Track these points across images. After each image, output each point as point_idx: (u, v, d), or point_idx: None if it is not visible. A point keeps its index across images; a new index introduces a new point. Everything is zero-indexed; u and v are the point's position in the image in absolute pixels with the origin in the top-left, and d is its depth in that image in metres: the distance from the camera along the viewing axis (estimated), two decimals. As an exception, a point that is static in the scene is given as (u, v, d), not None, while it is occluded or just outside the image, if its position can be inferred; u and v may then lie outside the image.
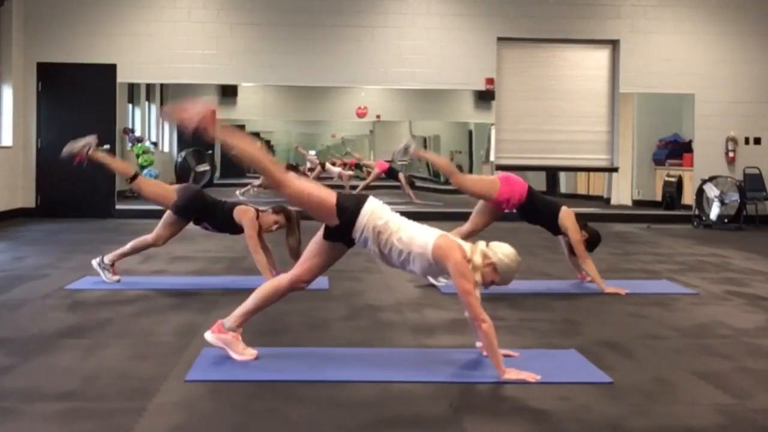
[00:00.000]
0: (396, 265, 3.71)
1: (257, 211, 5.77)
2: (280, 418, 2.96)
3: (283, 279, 3.80)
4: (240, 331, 3.74)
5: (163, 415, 2.97)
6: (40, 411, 2.98)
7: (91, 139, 5.59)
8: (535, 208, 5.82)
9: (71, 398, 3.13)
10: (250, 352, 3.70)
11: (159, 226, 5.76)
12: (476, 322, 3.47)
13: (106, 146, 11.02)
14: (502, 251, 3.61)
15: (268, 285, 3.82)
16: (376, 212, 3.62)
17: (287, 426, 2.89)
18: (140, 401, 3.09)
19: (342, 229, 3.62)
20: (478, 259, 3.54)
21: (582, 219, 5.89)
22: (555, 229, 5.85)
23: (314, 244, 3.76)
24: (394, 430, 2.88)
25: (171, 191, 5.69)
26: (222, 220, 5.74)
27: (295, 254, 5.64)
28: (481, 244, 3.63)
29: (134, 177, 5.65)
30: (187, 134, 3.62)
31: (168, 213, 5.73)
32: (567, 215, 5.77)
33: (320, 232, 3.74)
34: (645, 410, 3.10)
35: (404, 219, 3.70)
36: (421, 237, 3.59)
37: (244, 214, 5.67)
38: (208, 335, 3.75)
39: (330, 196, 3.63)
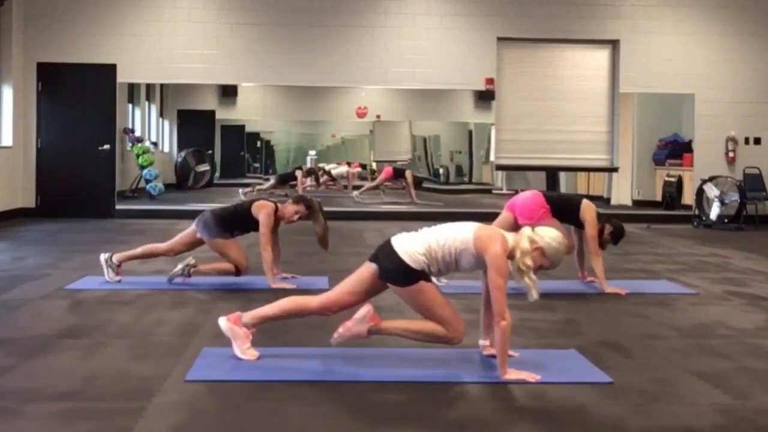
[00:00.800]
0: (451, 270, 3.68)
1: (276, 204, 5.75)
2: (280, 418, 2.96)
3: (313, 301, 3.76)
4: (253, 330, 3.75)
5: (163, 415, 2.97)
6: (40, 411, 2.98)
7: (188, 263, 5.64)
8: (556, 209, 5.78)
9: (71, 398, 3.13)
10: (253, 353, 3.70)
11: (176, 239, 5.76)
12: (498, 317, 3.45)
13: (106, 146, 11.06)
14: (548, 235, 3.59)
15: (297, 301, 3.79)
16: (411, 247, 3.57)
17: (287, 426, 2.89)
18: (140, 401, 3.09)
19: (404, 279, 3.59)
20: (525, 244, 3.53)
21: (601, 216, 5.87)
22: (578, 223, 5.84)
23: (360, 279, 3.71)
24: (393, 430, 2.88)
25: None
26: (245, 221, 5.71)
27: (324, 242, 5.63)
28: (527, 230, 3.62)
29: (237, 271, 5.65)
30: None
31: (189, 230, 5.75)
32: (588, 208, 5.77)
33: (368, 267, 3.69)
34: (645, 410, 3.10)
35: (434, 228, 3.68)
36: (460, 233, 3.58)
37: (261, 209, 5.65)
38: (222, 321, 3.74)
39: (368, 274, 3.65)
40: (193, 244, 5.78)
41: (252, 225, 5.71)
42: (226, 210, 5.78)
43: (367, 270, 3.69)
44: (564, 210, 5.83)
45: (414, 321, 3.72)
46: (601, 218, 5.80)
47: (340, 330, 3.65)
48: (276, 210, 5.68)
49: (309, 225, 5.76)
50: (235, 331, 3.71)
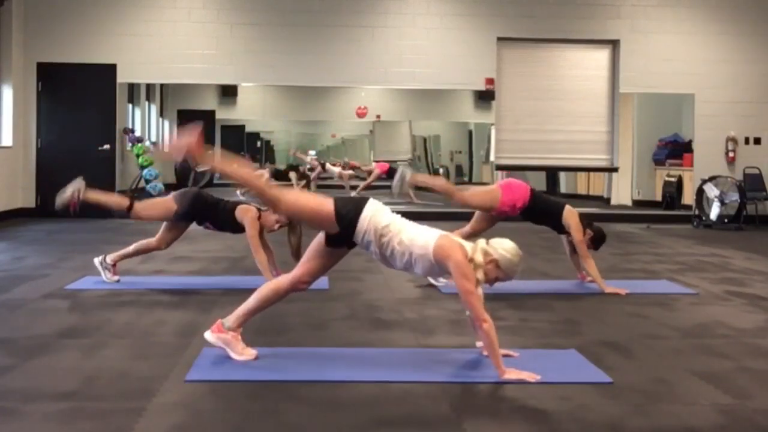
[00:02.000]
0: (399, 268, 3.71)
1: (259, 210, 5.78)
2: (280, 418, 2.96)
3: (284, 280, 3.80)
4: (240, 330, 3.74)
5: (163, 415, 2.97)
6: (40, 411, 2.98)
7: (78, 184, 5.50)
8: (538, 209, 5.82)
9: (71, 398, 3.13)
10: (250, 352, 3.70)
11: (161, 231, 5.77)
12: (477, 321, 3.47)
13: (106, 146, 11.06)
14: (502, 247, 3.60)
15: (269, 286, 3.81)
16: (377, 215, 3.61)
17: (287, 426, 2.89)
18: (140, 401, 3.09)
19: (343, 234, 3.62)
20: (479, 258, 3.54)
21: (583, 219, 5.88)
22: (560, 228, 5.85)
23: (315, 245, 3.75)
24: (393, 430, 2.88)
25: (169, 204, 5.64)
26: (223, 220, 5.74)
27: (296, 254, 5.63)
28: (482, 242, 3.62)
29: (130, 207, 5.59)
30: (177, 164, 3.69)
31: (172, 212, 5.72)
32: (570, 214, 5.77)
33: (321, 234, 3.73)
34: (645, 410, 3.10)
35: (405, 221, 3.69)
36: (422, 238, 3.58)
37: (245, 214, 5.67)
38: (208, 335, 3.74)
39: (327, 205, 3.61)
40: (180, 230, 5.77)
41: (230, 226, 5.75)
42: (212, 199, 5.79)
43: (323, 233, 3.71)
44: (546, 213, 5.85)
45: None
46: (583, 223, 5.80)
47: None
48: (259, 216, 5.71)
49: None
50: (223, 339, 3.71)
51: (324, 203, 3.63)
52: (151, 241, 5.79)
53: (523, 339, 4.25)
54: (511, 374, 3.42)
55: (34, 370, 3.53)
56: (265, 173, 14.67)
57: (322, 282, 5.63)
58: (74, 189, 5.47)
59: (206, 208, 5.72)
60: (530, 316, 4.85)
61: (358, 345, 4.12)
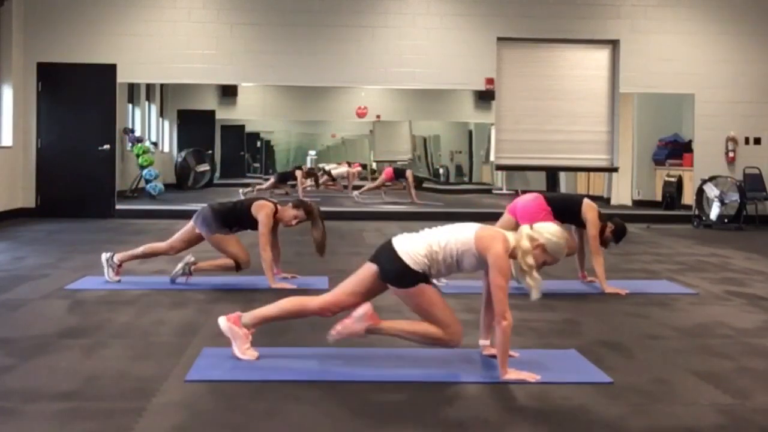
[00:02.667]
0: (452, 271, 3.68)
1: (276, 206, 5.76)
2: (280, 418, 2.96)
3: (313, 303, 3.75)
4: (252, 331, 3.74)
5: (163, 415, 2.97)
6: (40, 411, 2.98)
7: (188, 260, 5.65)
8: (558, 210, 5.75)
9: (71, 398, 3.13)
10: (252, 353, 3.69)
11: (176, 237, 5.76)
12: (498, 316, 3.45)
13: (106, 146, 11.06)
14: (548, 231, 3.59)
15: (297, 301, 3.79)
16: (412, 247, 3.56)
17: (287, 426, 2.89)
18: (140, 401, 3.09)
19: (403, 281, 3.59)
20: (526, 243, 3.53)
21: (602, 215, 5.86)
22: (579, 222, 5.84)
23: (360, 279, 3.71)
24: (393, 430, 2.88)
25: (242, 250, 5.68)
26: (243, 219, 5.73)
27: (321, 247, 5.64)
28: (526, 228, 3.61)
29: (238, 266, 5.65)
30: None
31: (188, 226, 5.73)
32: (589, 207, 5.76)
33: (370, 268, 3.68)
34: (645, 410, 3.10)
35: (435, 229, 3.68)
36: (461, 234, 3.58)
37: (261, 209, 5.67)
38: (222, 321, 3.73)
39: (369, 275, 3.64)
40: (193, 241, 5.78)
41: (250, 223, 5.72)
42: (225, 206, 5.80)
43: (367, 271, 3.69)
44: (566, 211, 5.82)
45: (412, 322, 3.72)
46: (603, 217, 5.79)
47: (338, 327, 3.65)
48: (275, 211, 5.70)
49: (310, 225, 5.76)
50: (234, 332, 3.71)
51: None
52: (161, 245, 5.80)
53: (523, 339, 4.25)
54: (511, 374, 3.42)
55: (34, 370, 3.53)
56: (271, 179, 14.68)
57: (322, 282, 5.63)
58: (184, 265, 5.63)
59: (224, 216, 5.71)
60: (530, 316, 4.85)
61: (358, 345, 4.11)
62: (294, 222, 5.76)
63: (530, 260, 3.51)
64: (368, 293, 3.71)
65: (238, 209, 5.74)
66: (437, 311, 3.58)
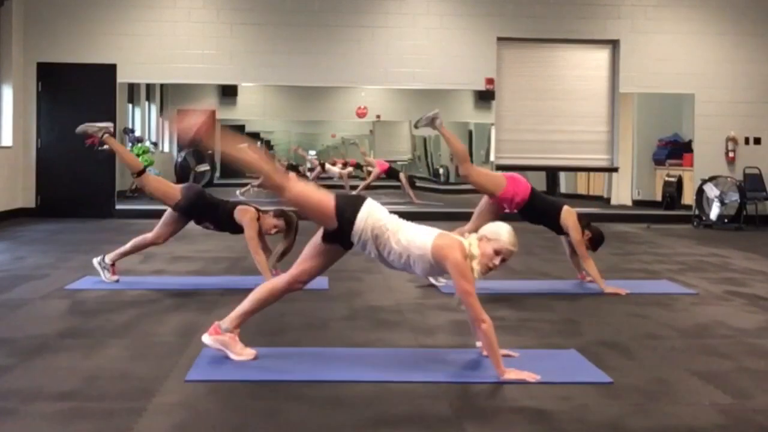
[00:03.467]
0: (397, 268, 3.71)
1: (258, 211, 5.78)
2: (280, 418, 2.96)
3: (280, 280, 3.80)
4: (237, 331, 3.73)
5: (163, 415, 2.97)
6: (40, 411, 2.98)
7: (108, 125, 5.73)
8: (537, 208, 5.79)
9: (71, 398, 3.13)
10: (249, 352, 3.70)
11: (159, 225, 5.77)
12: (476, 322, 3.47)
13: (106, 147, 11.04)
14: (488, 227, 3.65)
15: (265, 286, 3.81)
16: (374, 215, 3.61)
17: (287, 426, 2.89)
18: (140, 401, 3.09)
19: (340, 232, 3.62)
20: (475, 249, 3.54)
21: (582, 219, 5.87)
22: (557, 228, 5.84)
23: (312, 245, 3.76)
24: (393, 430, 2.88)
25: (175, 189, 5.72)
26: (223, 220, 5.75)
27: (282, 256, 5.73)
28: (472, 236, 3.63)
29: (141, 172, 5.68)
30: (184, 143, 3.69)
31: (169, 212, 5.73)
32: (568, 214, 5.76)
33: (318, 234, 3.74)
34: (645, 410, 3.10)
35: (402, 221, 3.69)
36: (419, 238, 3.58)
37: (244, 214, 5.68)
38: (206, 338, 3.74)
39: (329, 199, 3.63)
40: (178, 225, 5.77)
41: (230, 226, 5.77)
42: (213, 199, 5.82)
43: (321, 232, 3.72)
44: (544, 212, 5.82)
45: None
46: (581, 223, 5.78)
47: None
48: (258, 218, 5.72)
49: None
50: (221, 340, 3.70)
51: (326, 197, 3.64)
52: (147, 236, 5.78)
53: (523, 339, 4.25)
54: (511, 374, 3.42)
55: (34, 370, 3.53)
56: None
57: (322, 282, 5.63)
58: (103, 126, 5.68)
59: (207, 206, 5.74)
60: (530, 316, 4.85)
61: (358, 345, 4.12)
62: (273, 231, 5.78)
63: (479, 255, 3.52)
64: (327, 252, 3.72)
65: (221, 209, 5.76)
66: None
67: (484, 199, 5.89)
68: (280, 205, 5.86)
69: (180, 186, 5.81)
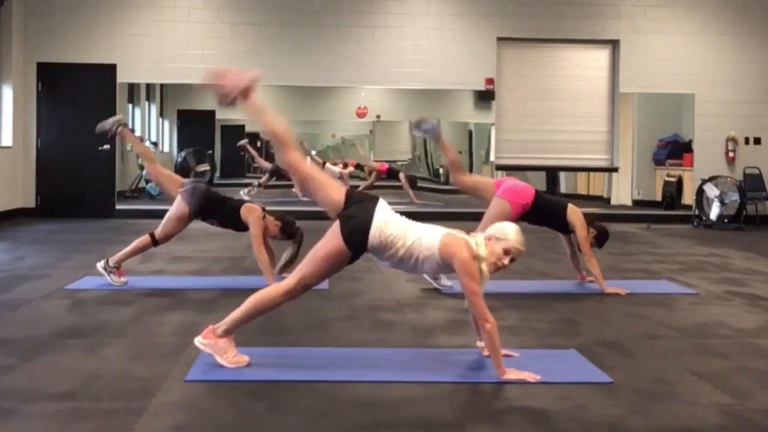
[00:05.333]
0: (408, 270, 3.69)
1: (264, 210, 5.76)
2: (280, 418, 2.96)
3: (278, 292, 3.61)
4: (232, 337, 3.62)
5: (163, 415, 2.97)
6: (40, 411, 2.98)
7: (120, 117, 6.09)
8: (542, 211, 5.72)
9: (71, 398, 3.13)
10: (241, 359, 3.58)
11: (164, 223, 5.71)
12: (481, 321, 3.47)
13: (106, 146, 11.05)
14: (493, 226, 3.68)
15: (261, 296, 3.62)
16: (384, 232, 3.53)
17: (287, 426, 2.89)
18: (140, 401, 3.09)
19: (351, 254, 3.58)
20: (482, 249, 3.54)
21: (587, 217, 5.85)
22: (564, 227, 5.82)
23: (319, 252, 3.67)
24: (394, 430, 2.88)
25: (181, 181, 5.77)
26: (229, 217, 5.73)
27: (287, 266, 5.66)
28: (479, 237, 3.62)
29: (152, 161, 5.98)
30: (223, 101, 3.63)
31: (175, 209, 5.64)
32: (574, 212, 5.74)
33: (325, 247, 3.61)
34: (645, 410, 3.10)
35: (410, 222, 3.66)
36: (426, 238, 3.57)
37: (250, 213, 5.67)
38: (197, 341, 3.62)
39: (339, 194, 3.59)
40: (183, 224, 5.71)
41: (235, 224, 5.75)
42: (218, 196, 5.80)
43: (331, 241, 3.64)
44: (550, 213, 5.78)
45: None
46: (586, 221, 5.77)
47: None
48: (263, 217, 5.71)
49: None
50: (213, 346, 3.58)
51: (338, 191, 3.61)
52: (150, 236, 5.77)
53: (523, 339, 4.25)
54: (511, 374, 3.42)
55: (34, 370, 3.53)
56: (267, 174, 14.67)
57: (323, 283, 5.61)
58: (116, 120, 6.00)
59: (214, 204, 5.72)
60: (530, 316, 4.85)
61: (358, 345, 4.12)
62: (274, 232, 5.74)
63: (486, 255, 3.52)
64: (338, 260, 3.63)
65: (227, 206, 5.74)
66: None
67: (493, 205, 5.77)
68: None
69: (180, 194, 5.70)
